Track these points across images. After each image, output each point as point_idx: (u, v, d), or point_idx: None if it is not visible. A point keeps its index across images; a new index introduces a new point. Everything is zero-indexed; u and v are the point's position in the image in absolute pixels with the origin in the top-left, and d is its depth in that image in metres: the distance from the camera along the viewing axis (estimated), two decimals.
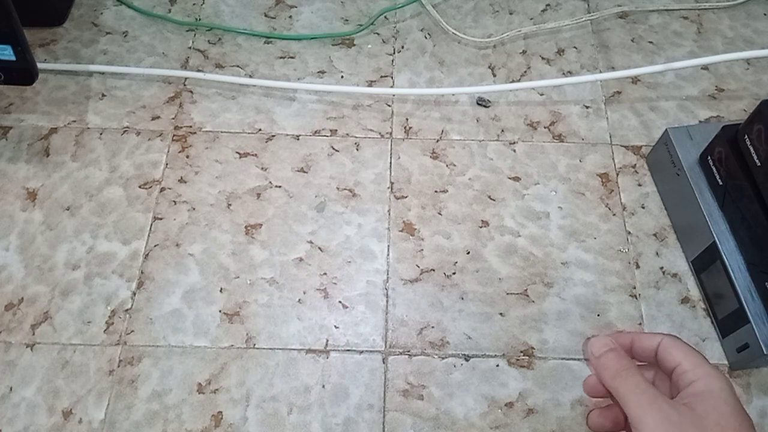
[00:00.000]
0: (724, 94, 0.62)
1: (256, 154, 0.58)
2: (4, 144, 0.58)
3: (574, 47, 0.66)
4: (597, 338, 0.37)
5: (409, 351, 0.49)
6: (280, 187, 0.56)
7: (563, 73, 0.64)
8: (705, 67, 0.64)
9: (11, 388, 0.47)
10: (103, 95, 0.61)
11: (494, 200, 0.56)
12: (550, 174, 0.58)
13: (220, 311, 0.51)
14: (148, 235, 0.54)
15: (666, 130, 0.54)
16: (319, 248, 0.53)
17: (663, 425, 0.32)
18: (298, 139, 0.59)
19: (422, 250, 0.54)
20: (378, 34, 0.66)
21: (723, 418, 0.33)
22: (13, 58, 0.50)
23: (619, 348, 0.37)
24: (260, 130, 0.60)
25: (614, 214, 0.56)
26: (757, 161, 0.46)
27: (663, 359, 0.36)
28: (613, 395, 0.35)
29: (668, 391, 0.36)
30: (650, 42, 0.66)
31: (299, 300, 0.51)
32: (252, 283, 0.52)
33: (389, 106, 0.61)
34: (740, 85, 0.63)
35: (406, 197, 0.56)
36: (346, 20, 0.67)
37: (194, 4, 0.68)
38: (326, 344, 0.50)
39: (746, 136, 0.47)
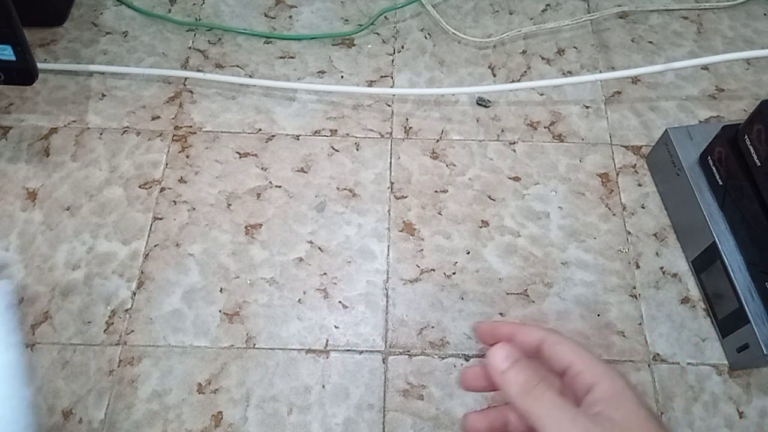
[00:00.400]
0: (724, 94, 0.62)
1: (256, 154, 0.58)
2: (4, 144, 0.58)
3: (574, 47, 0.66)
4: (497, 348, 0.32)
5: (409, 351, 0.49)
6: (280, 187, 0.56)
7: (563, 73, 0.64)
8: (705, 67, 0.64)
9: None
10: (103, 95, 0.61)
11: (494, 200, 0.56)
12: (550, 174, 0.58)
13: (220, 311, 0.51)
14: (148, 235, 0.54)
15: (666, 130, 0.54)
16: (319, 248, 0.53)
17: None
18: (298, 139, 0.59)
19: (422, 250, 0.54)
20: (378, 34, 0.66)
21: (643, 422, 0.30)
22: (13, 58, 0.50)
23: (524, 358, 0.32)
24: (260, 130, 0.60)
25: (614, 214, 0.56)
26: (757, 161, 0.46)
27: (550, 357, 0.33)
28: (523, 414, 0.31)
29: (561, 388, 0.33)
30: (650, 42, 0.66)
31: (299, 300, 0.51)
32: (252, 283, 0.52)
33: (389, 106, 0.61)
34: (740, 85, 0.63)
35: (406, 197, 0.56)
36: (346, 20, 0.67)
37: (194, 4, 0.68)
38: (326, 344, 0.49)
39: (746, 136, 0.47)
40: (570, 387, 0.32)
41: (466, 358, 0.49)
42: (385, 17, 0.67)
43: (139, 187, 0.56)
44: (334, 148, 0.59)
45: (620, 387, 0.31)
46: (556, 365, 0.32)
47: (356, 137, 0.59)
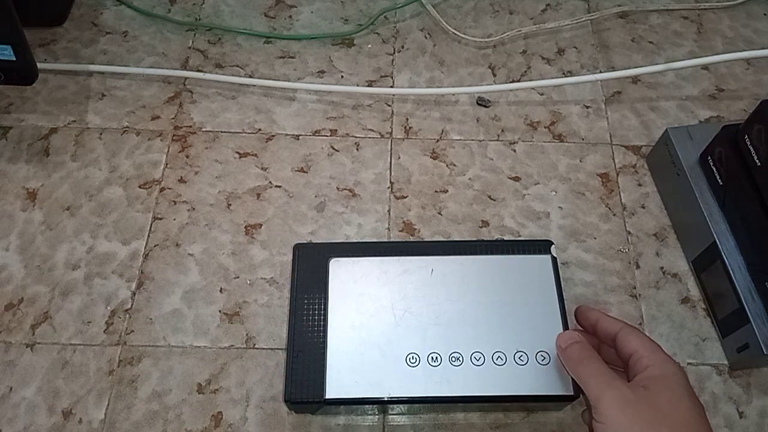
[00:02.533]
0: (724, 94, 0.62)
1: (256, 154, 0.58)
2: (4, 144, 0.58)
3: (574, 47, 0.66)
4: (563, 333, 0.41)
5: None
6: (280, 187, 0.56)
7: (563, 73, 0.64)
8: (705, 67, 0.64)
9: (11, 388, 0.47)
10: (103, 95, 0.61)
11: (494, 200, 0.56)
12: (550, 174, 0.58)
13: (220, 311, 0.51)
14: (148, 235, 0.54)
15: (666, 130, 0.54)
16: None
17: (619, 403, 0.35)
18: (298, 139, 0.59)
19: None
20: (378, 34, 0.66)
21: (676, 398, 0.35)
22: (13, 58, 0.50)
23: (584, 340, 0.40)
24: (260, 130, 0.60)
25: (614, 214, 0.56)
26: (757, 161, 0.46)
27: (621, 346, 0.39)
28: (577, 383, 0.39)
29: (627, 375, 0.39)
30: (650, 42, 0.66)
31: None
32: (252, 283, 0.52)
33: (389, 106, 0.61)
34: (740, 85, 0.63)
35: (406, 197, 0.56)
36: (346, 20, 0.67)
37: (194, 4, 0.68)
38: None
39: (746, 136, 0.47)
40: (632, 369, 0.38)
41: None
42: (385, 17, 0.67)
43: (139, 187, 0.56)
44: (334, 148, 0.59)
45: (669, 371, 0.36)
46: (625, 351, 0.39)
47: (356, 137, 0.59)
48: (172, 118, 0.60)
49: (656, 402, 0.34)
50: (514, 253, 0.47)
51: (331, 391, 0.42)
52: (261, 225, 0.54)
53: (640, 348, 0.38)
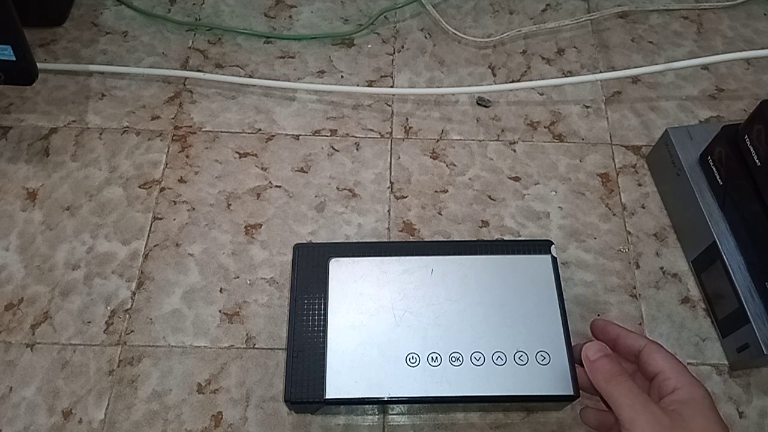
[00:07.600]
0: (724, 94, 0.62)
1: (256, 154, 0.58)
2: (4, 144, 0.58)
3: (574, 47, 0.66)
4: (591, 343, 0.40)
5: None
6: (280, 187, 0.56)
7: (563, 73, 0.64)
8: (705, 67, 0.64)
9: (11, 388, 0.47)
10: (103, 95, 0.61)
11: (494, 200, 0.56)
12: (550, 174, 0.58)
13: (220, 311, 0.51)
14: (148, 235, 0.54)
15: (666, 130, 0.54)
16: None
17: (654, 428, 0.34)
18: (298, 139, 0.59)
19: None
20: (378, 34, 0.66)
21: (708, 424, 0.35)
22: (13, 58, 0.50)
23: (613, 354, 0.39)
24: (260, 130, 0.60)
25: (614, 214, 0.56)
26: (757, 161, 0.46)
27: (646, 363, 0.39)
28: (604, 397, 0.38)
29: (647, 392, 0.39)
30: (650, 42, 0.66)
31: None
32: (252, 283, 0.52)
33: (389, 106, 0.61)
34: (740, 85, 0.63)
35: (406, 197, 0.56)
36: (346, 20, 0.67)
37: (194, 4, 0.68)
38: None
39: (746, 136, 0.47)
40: (656, 388, 0.37)
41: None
42: (385, 17, 0.67)
43: (139, 187, 0.56)
44: (334, 148, 0.59)
45: (699, 395, 0.36)
46: (650, 369, 0.38)
47: (356, 137, 0.59)
48: (172, 118, 0.60)
49: (691, 429, 0.34)
50: (514, 253, 0.47)
51: (331, 391, 0.42)
52: (261, 225, 0.54)
53: (667, 368, 0.37)
